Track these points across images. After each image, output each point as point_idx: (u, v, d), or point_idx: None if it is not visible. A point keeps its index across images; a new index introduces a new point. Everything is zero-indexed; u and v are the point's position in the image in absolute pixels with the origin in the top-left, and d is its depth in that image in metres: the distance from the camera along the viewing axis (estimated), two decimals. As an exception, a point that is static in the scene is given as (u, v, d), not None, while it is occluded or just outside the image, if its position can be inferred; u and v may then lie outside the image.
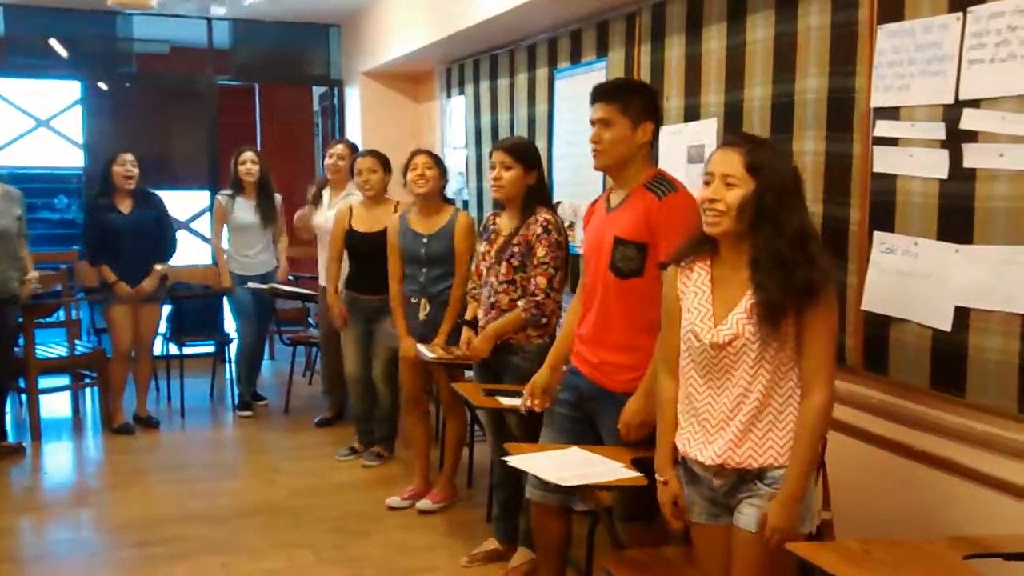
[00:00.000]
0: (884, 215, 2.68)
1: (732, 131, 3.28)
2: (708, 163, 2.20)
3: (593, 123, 2.83)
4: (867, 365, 2.78)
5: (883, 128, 2.67)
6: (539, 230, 3.47)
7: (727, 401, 2.20)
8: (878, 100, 2.68)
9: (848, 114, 2.80)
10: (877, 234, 2.70)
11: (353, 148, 5.52)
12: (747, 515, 2.19)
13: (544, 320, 3.51)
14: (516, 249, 3.51)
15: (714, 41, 3.45)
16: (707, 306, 2.23)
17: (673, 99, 3.70)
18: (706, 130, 3.47)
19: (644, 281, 2.74)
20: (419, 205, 4.27)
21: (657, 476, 2.42)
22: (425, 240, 4.22)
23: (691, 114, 3.59)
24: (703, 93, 3.52)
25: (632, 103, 2.79)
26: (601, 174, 4.25)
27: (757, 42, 3.19)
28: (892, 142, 2.64)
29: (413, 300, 4.29)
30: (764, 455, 2.16)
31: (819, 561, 1.97)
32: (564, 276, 3.55)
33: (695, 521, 2.35)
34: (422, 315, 4.26)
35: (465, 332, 3.81)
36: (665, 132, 3.72)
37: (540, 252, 3.46)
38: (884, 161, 2.67)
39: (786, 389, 2.16)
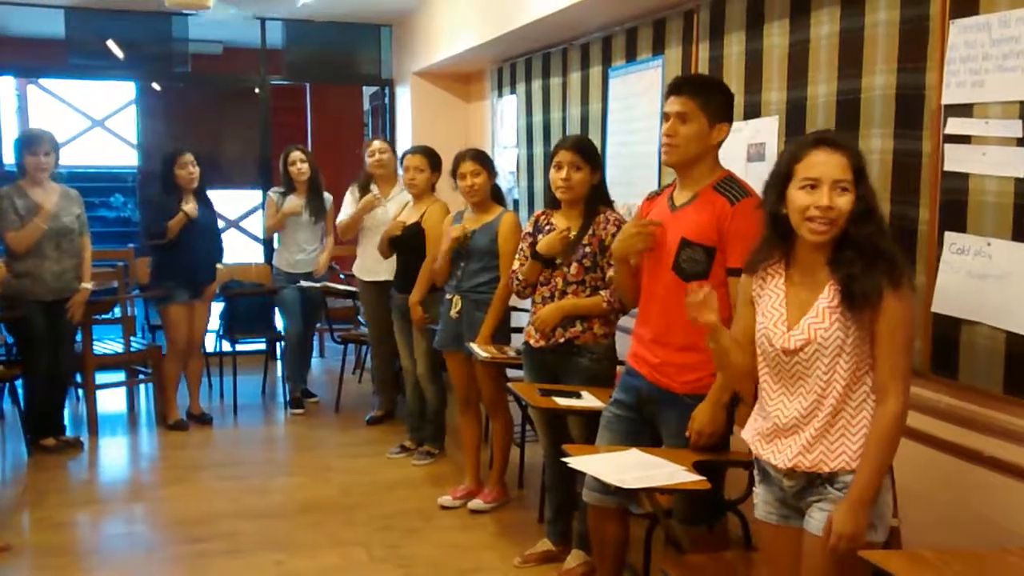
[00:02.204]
0: (955, 215, 2.61)
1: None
2: (807, 166, 2.08)
3: (667, 116, 2.76)
4: (936, 368, 2.71)
5: (955, 125, 2.60)
6: (614, 229, 3.42)
7: (800, 407, 2.15)
8: (950, 97, 2.61)
9: (917, 111, 2.73)
10: (948, 234, 2.63)
11: (390, 144, 5.53)
12: (817, 519, 2.14)
13: (614, 316, 3.49)
14: (588, 249, 3.45)
15: (776, 37, 3.39)
16: (781, 310, 2.18)
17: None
18: (767, 128, 3.42)
19: (709, 284, 2.69)
20: (474, 208, 4.29)
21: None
22: (469, 234, 4.23)
23: (751, 112, 3.53)
24: (764, 91, 3.46)
25: (712, 101, 2.75)
26: (655, 174, 4.23)
27: (822, 38, 3.13)
28: (964, 140, 2.57)
29: (448, 296, 4.30)
30: (836, 460, 2.11)
31: (892, 569, 1.92)
32: None
33: (764, 520, 2.30)
34: (453, 312, 4.25)
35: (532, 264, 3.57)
36: (725, 130, 3.66)
37: None
38: (955, 159, 2.60)
39: (860, 394, 2.11)
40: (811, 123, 3.18)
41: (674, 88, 2.78)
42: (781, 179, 2.14)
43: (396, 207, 5.24)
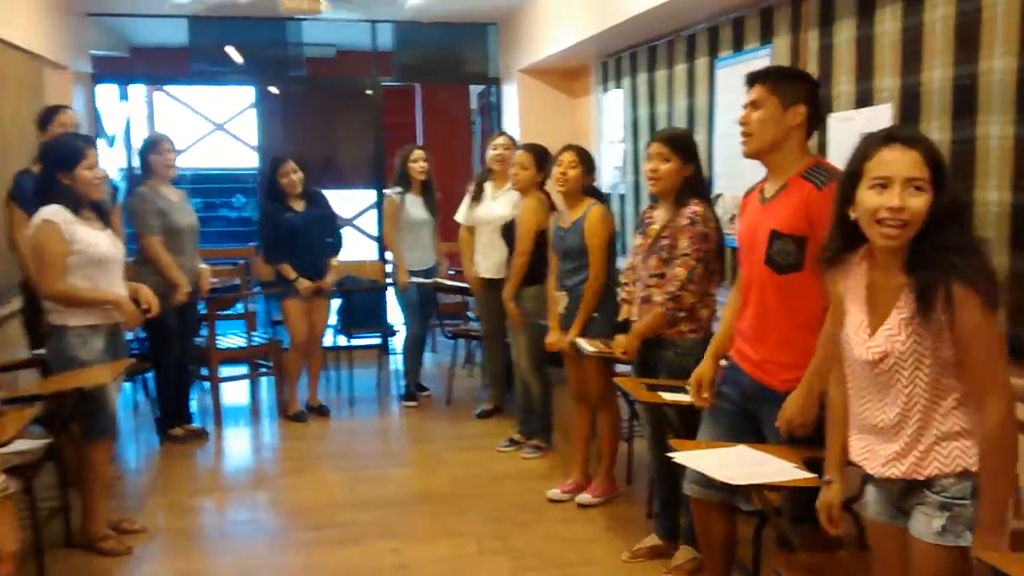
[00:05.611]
0: (1082, 203, 2.50)
1: (901, 124, 3.13)
2: (879, 165, 1.97)
3: (744, 108, 2.76)
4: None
5: (1082, 109, 2.48)
6: (685, 222, 3.42)
7: (887, 417, 2.08)
8: (1076, 79, 2.50)
9: (1040, 95, 2.62)
10: (1074, 223, 2.51)
11: (513, 140, 5.60)
12: (919, 523, 2.07)
13: (682, 314, 3.46)
14: (665, 242, 3.47)
15: (888, 23, 3.29)
16: (862, 316, 2.10)
17: (843, 85, 3.56)
18: (880, 116, 3.32)
19: (803, 276, 2.65)
20: (564, 201, 4.34)
21: (824, 476, 2.34)
22: (562, 234, 4.30)
23: (863, 100, 3.44)
24: (876, 78, 3.36)
25: (783, 84, 2.70)
26: (762, 166, 4.15)
27: (936, 21, 3.02)
28: (1092, 124, 2.45)
29: (556, 293, 4.39)
30: (929, 467, 2.03)
31: (1015, 573, 1.85)
32: (712, 269, 3.49)
33: (872, 519, 2.25)
34: (560, 308, 4.34)
35: (620, 338, 3.71)
36: (835, 119, 3.59)
37: (683, 244, 3.42)
38: (1082, 145, 2.49)
39: (950, 401, 2.01)
40: (926, 110, 3.08)
41: (746, 82, 2.78)
42: (850, 179, 2.03)
43: (504, 204, 5.31)
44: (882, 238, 1.98)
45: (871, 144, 2.02)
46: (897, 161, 1.96)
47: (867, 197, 1.99)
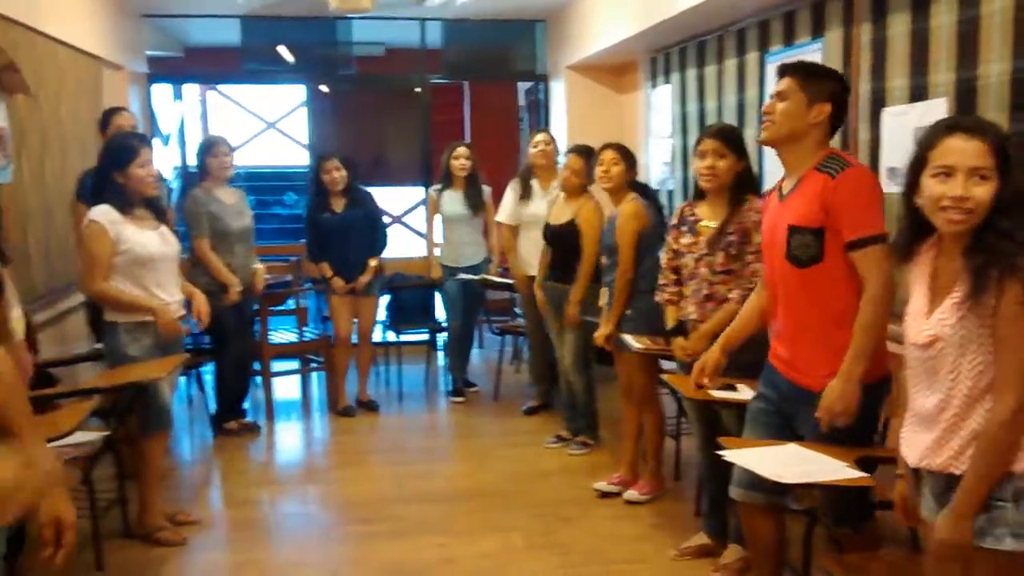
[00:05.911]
0: None
1: (958, 114, 3.07)
2: (942, 154, 1.97)
3: (771, 97, 2.76)
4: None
5: None
6: (757, 217, 3.38)
7: (933, 403, 2.05)
8: None
9: (1103, 88, 2.56)
10: None
11: (552, 137, 5.62)
12: None
13: None
14: (733, 238, 3.43)
15: (944, 16, 3.23)
16: (923, 301, 2.08)
17: (897, 79, 3.50)
18: (934, 111, 3.27)
19: (825, 267, 2.63)
20: (610, 198, 4.38)
21: (897, 470, 2.30)
22: (606, 231, 4.35)
23: (918, 94, 3.38)
24: (931, 72, 3.31)
25: (812, 81, 2.69)
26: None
27: (995, 13, 2.97)
28: None
29: (602, 288, 4.41)
30: (965, 464, 2.00)
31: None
32: None
33: (926, 518, 2.21)
34: (601, 302, 4.37)
35: (680, 340, 3.66)
36: (889, 114, 3.54)
37: (757, 238, 3.37)
38: None
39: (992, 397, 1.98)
40: (983, 104, 3.03)
41: (778, 72, 2.77)
42: (915, 167, 2.04)
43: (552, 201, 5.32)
44: (947, 224, 1.98)
45: (935, 133, 2.02)
46: (960, 150, 1.95)
47: (931, 185, 1.99)
